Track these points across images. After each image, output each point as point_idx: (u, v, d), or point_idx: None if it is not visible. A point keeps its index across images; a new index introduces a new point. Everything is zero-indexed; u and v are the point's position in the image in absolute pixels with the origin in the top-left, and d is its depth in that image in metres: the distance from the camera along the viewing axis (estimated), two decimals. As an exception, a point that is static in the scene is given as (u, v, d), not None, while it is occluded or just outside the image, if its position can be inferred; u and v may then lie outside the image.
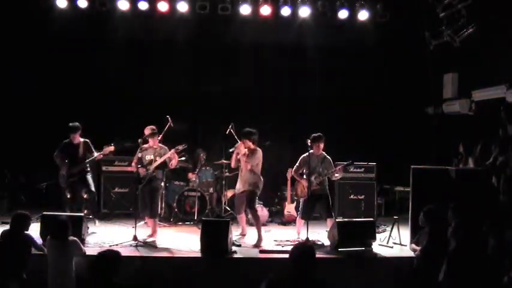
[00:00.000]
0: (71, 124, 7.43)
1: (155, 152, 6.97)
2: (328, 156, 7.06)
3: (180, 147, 7.00)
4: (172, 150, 6.91)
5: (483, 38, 8.11)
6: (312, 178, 6.88)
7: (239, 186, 7.04)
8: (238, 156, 6.94)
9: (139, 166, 6.89)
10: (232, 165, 7.20)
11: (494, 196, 5.96)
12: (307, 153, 6.96)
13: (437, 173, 6.54)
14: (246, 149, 6.86)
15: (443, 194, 5.84)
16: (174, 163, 7.03)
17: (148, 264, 5.94)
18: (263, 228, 8.08)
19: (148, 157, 6.97)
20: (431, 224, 5.37)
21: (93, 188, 7.64)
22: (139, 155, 6.91)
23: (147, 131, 6.97)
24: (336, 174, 7.03)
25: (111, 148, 7.53)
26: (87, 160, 7.47)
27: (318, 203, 7.01)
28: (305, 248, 3.52)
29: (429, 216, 5.40)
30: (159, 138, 7.12)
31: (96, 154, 7.48)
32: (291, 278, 3.33)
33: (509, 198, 5.80)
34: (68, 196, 7.40)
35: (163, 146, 7.07)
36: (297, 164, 7.13)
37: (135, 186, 7.01)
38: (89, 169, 7.63)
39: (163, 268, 5.91)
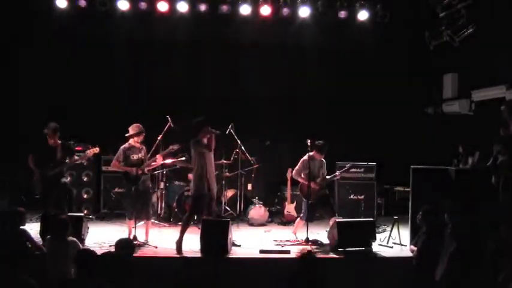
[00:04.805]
0: (52, 125, 6.79)
1: (140, 151, 6.83)
2: (323, 159, 7.17)
3: (175, 147, 6.90)
4: (168, 150, 6.80)
5: (483, 38, 8.10)
6: (318, 180, 6.98)
7: None
8: None
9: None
10: None
11: (494, 196, 5.95)
12: (307, 156, 6.94)
13: (437, 173, 6.53)
14: None
15: (443, 194, 5.83)
16: (169, 163, 6.88)
17: (148, 264, 5.94)
18: (263, 228, 8.11)
19: (136, 156, 6.79)
20: (429, 224, 5.39)
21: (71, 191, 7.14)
22: (127, 153, 6.73)
23: (134, 129, 6.77)
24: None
25: (96, 150, 6.93)
26: (67, 163, 6.87)
27: (322, 205, 7.09)
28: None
29: (426, 217, 5.42)
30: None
31: (77, 157, 7.00)
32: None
33: (509, 198, 5.79)
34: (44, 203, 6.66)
35: (143, 145, 6.89)
36: (299, 166, 7.10)
37: (129, 187, 6.78)
38: (65, 175, 7.10)
39: (163, 268, 5.91)
